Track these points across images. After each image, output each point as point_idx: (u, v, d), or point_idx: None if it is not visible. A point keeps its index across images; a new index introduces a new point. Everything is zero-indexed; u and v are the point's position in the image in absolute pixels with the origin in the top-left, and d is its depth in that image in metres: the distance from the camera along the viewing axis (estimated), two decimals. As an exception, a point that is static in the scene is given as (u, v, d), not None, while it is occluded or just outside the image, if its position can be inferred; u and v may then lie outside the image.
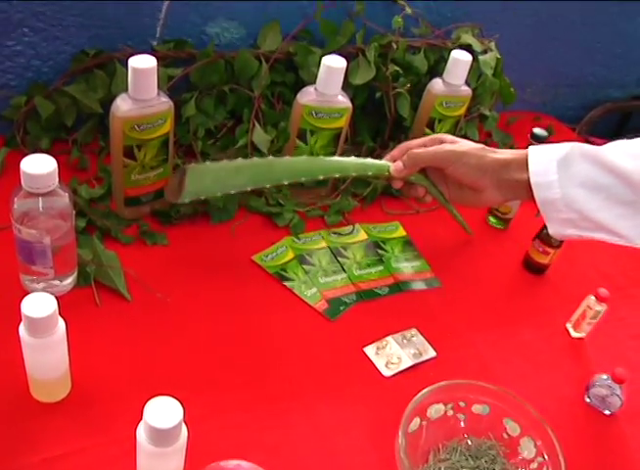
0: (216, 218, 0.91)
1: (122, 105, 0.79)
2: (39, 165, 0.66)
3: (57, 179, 0.68)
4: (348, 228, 0.96)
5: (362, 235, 0.95)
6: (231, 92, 0.99)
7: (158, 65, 0.78)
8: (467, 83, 1.01)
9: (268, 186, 0.84)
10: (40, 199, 0.68)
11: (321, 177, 0.84)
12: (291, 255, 0.89)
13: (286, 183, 0.84)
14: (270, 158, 0.85)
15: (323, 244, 0.92)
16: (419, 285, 0.90)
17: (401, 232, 0.97)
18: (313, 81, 0.91)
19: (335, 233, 0.94)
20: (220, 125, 1.01)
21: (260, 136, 0.94)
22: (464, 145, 0.81)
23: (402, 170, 0.83)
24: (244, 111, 1.00)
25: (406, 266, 0.92)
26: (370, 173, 0.85)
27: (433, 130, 1.01)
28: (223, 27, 1.00)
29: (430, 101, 0.99)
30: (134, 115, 0.79)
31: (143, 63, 0.76)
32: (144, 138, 0.81)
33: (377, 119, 1.06)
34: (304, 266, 0.88)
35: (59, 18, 0.90)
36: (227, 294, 0.82)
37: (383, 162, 0.85)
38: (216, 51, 0.97)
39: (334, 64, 0.87)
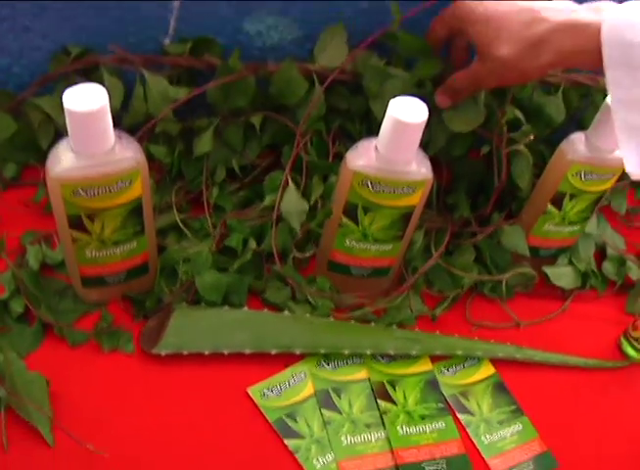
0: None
1: (62, 158, 0.51)
2: None
3: None
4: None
5: (425, 362, 0.64)
6: (267, 121, 0.69)
7: (164, 74, 0.57)
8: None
9: (274, 353, 0.60)
10: None
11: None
12: (310, 388, 0.60)
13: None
14: (285, 314, 0.63)
15: (362, 373, 0.62)
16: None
17: (487, 368, 0.64)
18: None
19: (384, 356, 0.63)
20: (251, 165, 0.72)
21: (292, 202, 0.64)
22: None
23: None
24: (284, 148, 0.70)
25: (500, 435, 0.59)
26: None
27: (559, 208, 0.66)
28: (269, 25, 0.69)
29: (561, 167, 0.64)
30: (76, 176, 0.51)
31: (86, 102, 0.47)
32: (96, 207, 0.53)
33: (479, 182, 0.72)
34: (325, 412, 0.58)
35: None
36: (197, 452, 0.55)
37: None
38: (248, 62, 0.66)
39: (406, 117, 0.52)
